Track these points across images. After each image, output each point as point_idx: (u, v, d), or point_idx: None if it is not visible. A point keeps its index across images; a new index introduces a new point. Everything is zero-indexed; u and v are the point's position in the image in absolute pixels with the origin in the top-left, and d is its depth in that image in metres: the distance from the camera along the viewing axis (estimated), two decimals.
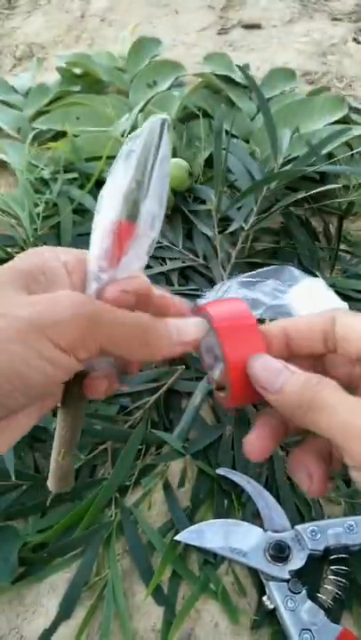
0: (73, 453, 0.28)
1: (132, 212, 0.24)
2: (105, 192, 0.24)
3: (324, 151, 0.68)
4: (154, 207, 0.24)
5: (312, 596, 0.41)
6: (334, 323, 0.25)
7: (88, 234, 0.25)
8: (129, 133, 0.75)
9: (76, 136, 0.73)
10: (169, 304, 0.27)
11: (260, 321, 0.23)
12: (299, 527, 0.43)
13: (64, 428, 0.27)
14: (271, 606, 0.41)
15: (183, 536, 0.44)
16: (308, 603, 0.40)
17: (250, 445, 0.25)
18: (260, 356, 0.24)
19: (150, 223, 0.24)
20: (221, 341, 0.24)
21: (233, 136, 0.76)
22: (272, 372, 0.23)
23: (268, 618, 0.42)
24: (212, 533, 0.43)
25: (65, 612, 0.42)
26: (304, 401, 0.22)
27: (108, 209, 0.24)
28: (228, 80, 0.87)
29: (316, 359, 0.26)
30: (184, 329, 0.25)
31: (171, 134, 0.24)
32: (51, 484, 0.28)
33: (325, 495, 0.26)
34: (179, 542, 0.44)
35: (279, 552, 0.42)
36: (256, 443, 0.25)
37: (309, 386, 0.22)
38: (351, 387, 0.25)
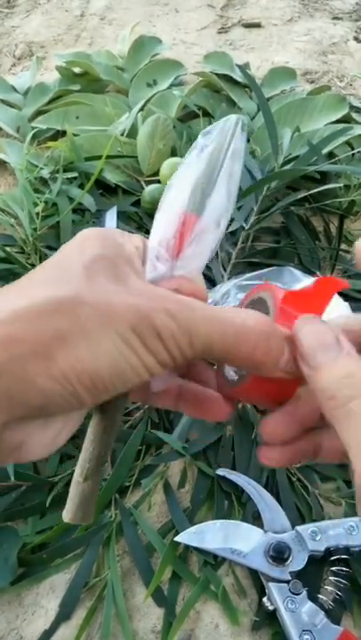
0: (99, 476, 0.23)
1: (198, 206, 0.23)
2: (174, 181, 0.24)
3: (325, 150, 0.68)
4: (221, 203, 0.23)
5: (313, 597, 0.41)
6: None
7: None
8: (129, 132, 0.75)
9: (75, 135, 0.73)
10: None
11: None
12: (299, 528, 0.43)
13: (94, 441, 0.23)
14: (271, 607, 0.41)
15: (183, 537, 0.44)
16: (309, 604, 0.40)
17: (268, 429, 0.22)
18: (312, 319, 0.21)
19: (216, 219, 0.23)
20: (276, 304, 0.22)
21: None
22: (320, 342, 0.20)
23: (269, 619, 0.42)
24: (212, 534, 0.43)
25: (65, 613, 0.42)
26: (339, 397, 0.19)
27: (174, 199, 0.24)
28: (229, 79, 0.86)
29: None
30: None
31: (244, 133, 0.24)
32: (67, 512, 0.23)
33: (284, 466, 0.23)
34: (179, 543, 0.44)
35: (279, 553, 0.41)
36: (275, 426, 0.22)
37: (352, 380, 0.19)
38: None
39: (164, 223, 0.23)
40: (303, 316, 0.21)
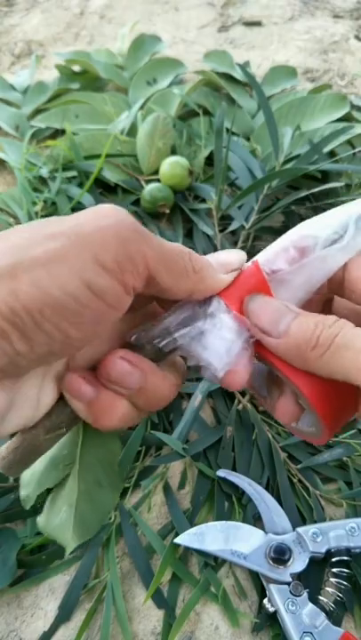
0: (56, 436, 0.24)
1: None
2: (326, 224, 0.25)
3: (326, 149, 0.67)
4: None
5: (313, 599, 0.41)
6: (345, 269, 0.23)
7: None
8: (128, 131, 0.75)
9: (74, 134, 0.73)
10: None
11: None
12: (300, 529, 0.43)
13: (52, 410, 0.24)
14: (272, 609, 0.41)
15: (183, 538, 0.43)
16: (310, 605, 0.40)
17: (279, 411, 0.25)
18: (256, 296, 0.23)
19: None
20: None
21: (234, 134, 0.75)
22: (273, 313, 0.22)
23: (269, 621, 0.41)
24: (212, 536, 0.43)
25: (64, 615, 0.42)
26: (322, 341, 0.21)
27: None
28: (229, 78, 0.86)
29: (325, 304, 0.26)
30: (226, 258, 0.24)
31: None
32: (4, 461, 0.23)
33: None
34: (179, 545, 0.44)
35: (280, 555, 0.41)
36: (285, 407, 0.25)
37: (325, 326, 0.21)
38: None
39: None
40: (247, 297, 0.23)
